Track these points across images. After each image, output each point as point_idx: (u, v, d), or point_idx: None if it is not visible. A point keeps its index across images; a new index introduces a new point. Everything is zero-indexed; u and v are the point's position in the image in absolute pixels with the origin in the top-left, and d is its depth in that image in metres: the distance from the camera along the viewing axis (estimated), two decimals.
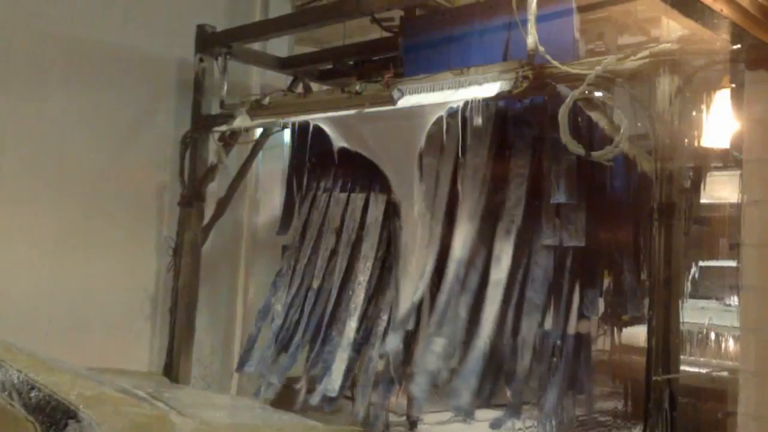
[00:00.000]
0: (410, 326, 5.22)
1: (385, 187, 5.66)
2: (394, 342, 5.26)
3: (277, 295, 6.22)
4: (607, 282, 5.72)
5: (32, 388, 2.78)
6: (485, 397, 5.07)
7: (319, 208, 6.14)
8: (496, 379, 5.05)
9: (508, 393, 4.99)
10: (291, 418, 4.35)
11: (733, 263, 8.00)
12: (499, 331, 4.97)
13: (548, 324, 5.11)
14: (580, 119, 4.49)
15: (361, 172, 5.78)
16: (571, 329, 5.17)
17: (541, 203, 4.93)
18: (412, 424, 7.74)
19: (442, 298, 5.04)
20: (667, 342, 3.90)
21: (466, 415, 4.98)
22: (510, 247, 4.91)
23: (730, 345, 7.57)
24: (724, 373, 7.04)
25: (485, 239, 5.05)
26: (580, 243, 4.77)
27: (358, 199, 5.91)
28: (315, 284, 6.01)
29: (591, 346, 5.27)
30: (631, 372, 8.34)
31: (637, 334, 8.12)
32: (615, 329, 8.31)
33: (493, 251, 4.98)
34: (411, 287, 5.32)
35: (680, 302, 4.01)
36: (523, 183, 4.94)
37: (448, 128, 4.77)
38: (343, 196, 6.05)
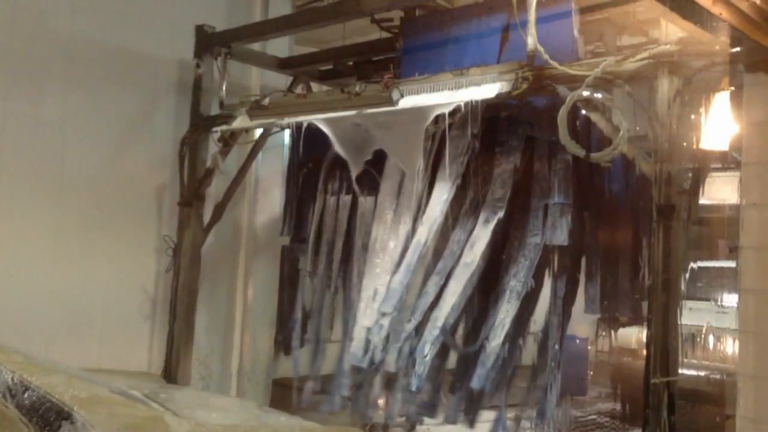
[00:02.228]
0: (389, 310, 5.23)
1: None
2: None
3: (297, 299, 6.35)
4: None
5: (26, 389, 2.77)
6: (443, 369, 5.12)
7: (330, 212, 6.17)
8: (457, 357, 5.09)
9: (477, 372, 5.01)
10: (288, 419, 4.35)
11: (727, 264, 8.00)
12: (466, 311, 5.02)
13: (541, 322, 5.16)
14: (577, 121, 4.49)
15: (367, 175, 5.77)
16: (561, 327, 5.19)
17: (530, 199, 4.95)
18: (411, 425, 7.74)
19: (398, 278, 5.10)
20: (665, 344, 3.89)
21: (415, 389, 5.01)
22: (486, 235, 4.96)
23: (725, 347, 7.53)
24: (719, 376, 7.03)
25: (463, 227, 5.09)
26: (563, 242, 4.80)
27: (367, 202, 5.92)
28: (332, 288, 6.08)
29: (587, 346, 5.32)
30: (628, 373, 8.33)
31: (630, 335, 8.11)
32: (611, 330, 8.32)
33: (469, 238, 5.02)
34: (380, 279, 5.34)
35: (679, 304, 4.00)
36: (510, 177, 4.97)
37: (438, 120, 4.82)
38: (349, 198, 6.08)
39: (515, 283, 5.01)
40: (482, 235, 4.99)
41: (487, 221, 5.01)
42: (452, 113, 4.67)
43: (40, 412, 2.65)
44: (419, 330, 5.05)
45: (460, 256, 5.06)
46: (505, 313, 4.98)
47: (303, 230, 6.64)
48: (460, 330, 5.25)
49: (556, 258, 5.13)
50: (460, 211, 5.16)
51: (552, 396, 5.13)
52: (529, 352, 5.49)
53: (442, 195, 5.07)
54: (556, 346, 5.05)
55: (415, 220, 5.24)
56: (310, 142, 5.72)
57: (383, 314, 5.11)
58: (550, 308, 5.13)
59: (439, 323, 4.94)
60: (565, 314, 5.21)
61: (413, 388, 5.02)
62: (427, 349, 4.93)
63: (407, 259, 5.11)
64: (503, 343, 4.97)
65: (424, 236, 5.06)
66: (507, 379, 5.15)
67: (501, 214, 4.97)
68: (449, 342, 5.09)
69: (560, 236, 4.82)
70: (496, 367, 4.97)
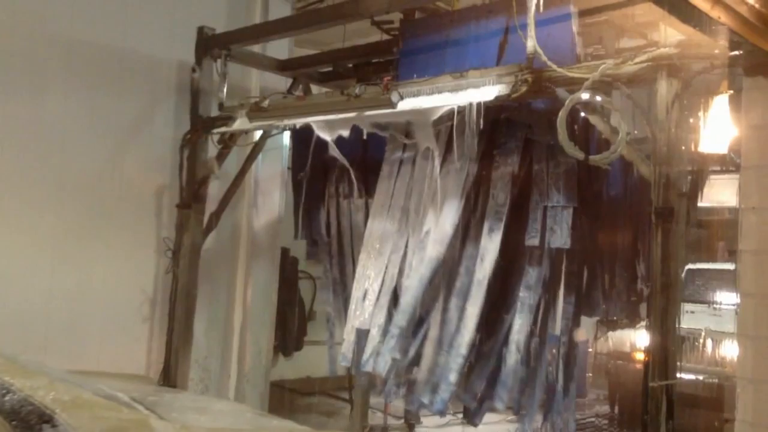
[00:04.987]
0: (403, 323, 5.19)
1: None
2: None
3: (324, 298, 6.52)
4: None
5: (7, 392, 2.71)
6: (469, 396, 5.11)
7: (345, 215, 6.16)
8: (479, 379, 5.08)
9: (498, 393, 5.02)
10: (280, 423, 4.30)
11: (725, 266, 7.97)
12: (485, 330, 5.00)
13: (542, 325, 5.14)
14: (575, 124, 4.48)
15: (373, 178, 5.75)
16: (570, 332, 5.18)
17: (530, 204, 4.94)
18: (411, 426, 7.75)
19: (411, 293, 5.08)
20: (664, 347, 3.89)
21: (438, 412, 5.03)
22: (494, 247, 4.94)
23: (724, 351, 7.49)
24: (717, 380, 7.00)
25: (465, 235, 5.08)
26: (565, 245, 4.78)
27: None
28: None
29: (587, 348, 5.32)
30: (625, 376, 8.31)
31: (624, 338, 8.09)
32: (609, 333, 8.31)
33: (478, 249, 5.00)
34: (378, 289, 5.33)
35: (678, 308, 4.00)
36: (511, 181, 4.96)
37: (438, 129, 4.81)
38: (361, 202, 6.07)
39: (525, 294, 5.00)
40: (490, 247, 4.95)
41: (491, 230, 4.97)
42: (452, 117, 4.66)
43: (21, 415, 2.60)
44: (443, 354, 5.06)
45: (470, 271, 5.05)
46: (519, 326, 4.99)
47: (317, 234, 6.62)
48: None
49: (559, 262, 5.10)
50: (469, 221, 5.11)
51: (565, 400, 5.12)
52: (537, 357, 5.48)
53: (452, 205, 5.04)
54: (564, 351, 5.04)
55: (421, 229, 5.19)
56: (315, 144, 5.69)
57: (398, 327, 5.10)
58: (558, 313, 5.10)
59: (463, 350, 4.93)
60: (574, 319, 5.19)
61: (435, 410, 5.06)
62: (453, 378, 4.94)
63: (421, 273, 5.07)
64: (522, 359, 4.98)
65: (436, 251, 5.02)
66: (530, 392, 5.13)
67: (504, 221, 4.93)
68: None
69: (560, 239, 4.79)
70: (516, 383, 4.99)
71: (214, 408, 4.61)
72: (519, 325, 5.01)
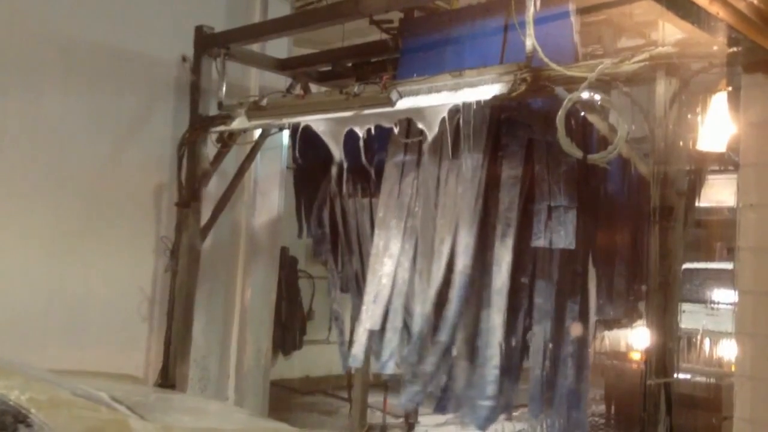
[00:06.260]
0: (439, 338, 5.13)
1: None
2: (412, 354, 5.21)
3: (332, 296, 6.47)
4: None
5: None
6: (501, 407, 5.10)
7: (351, 214, 6.16)
8: (510, 390, 5.08)
9: (529, 407, 5.04)
10: (270, 423, 4.25)
11: (723, 265, 7.96)
12: (510, 340, 5.00)
13: (556, 329, 5.12)
14: (573, 122, 4.48)
15: (377, 177, 5.71)
16: (576, 333, 5.18)
17: (534, 205, 4.93)
18: (410, 426, 7.75)
19: (452, 306, 5.03)
20: (662, 346, 3.89)
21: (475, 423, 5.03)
22: (508, 254, 4.91)
23: (722, 351, 7.49)
24: (714, 380, 6.99)
25: (483, 244, 5.04)
26: (570, 245, 4.76)
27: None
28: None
29: (589, 348, 5.31)
30: (622, 375, 8.30)
31: (619, 337, 8.08)
32: (605, 332, 8.30)
33: (493, 257, 4.98)
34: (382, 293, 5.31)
35: (676, 306, 4.01)
36: (516, 184, 4.94)
37: (442, 129, 4.78)
38: (366, 201, 6.07)
39: (540, 300, 4.99)
40: (504, 253, 4.92)
41: (503, 236, 4.94)
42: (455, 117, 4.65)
43: None
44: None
45: (488, 279, 5.02)
46: (538, 334, 4.98)
47: (322, 232, 6.62)
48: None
49: (565, 263, 5.08)
50: (484, 228, 5.07)
51: (576, 400, 5.12)
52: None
53: (467, 213, 4.99)
54: (574, 351, 5.05)
55: (433, 236, 5.17)
56: (318, 143, 5.68)
57: (417, 334, 5.08)
58: (567, 315, 5.10)
59: (495, 362, 4.91)
60: (581, 319, 5.19)
61: (477, 427, 5.04)
62: (491, 391, 4.92)
63: (456, 290, 5.01)
64: (550, 368, 4.99)
65: (462, 263, 4.97)
66: (549, 397, 5.12)
67: (514, 226, 4.90)
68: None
69: (564, 240, 4.77)
70: (542, 392, 5.00)
71: (204, 409, 4.54)
72: (538, 334, 4.99)
